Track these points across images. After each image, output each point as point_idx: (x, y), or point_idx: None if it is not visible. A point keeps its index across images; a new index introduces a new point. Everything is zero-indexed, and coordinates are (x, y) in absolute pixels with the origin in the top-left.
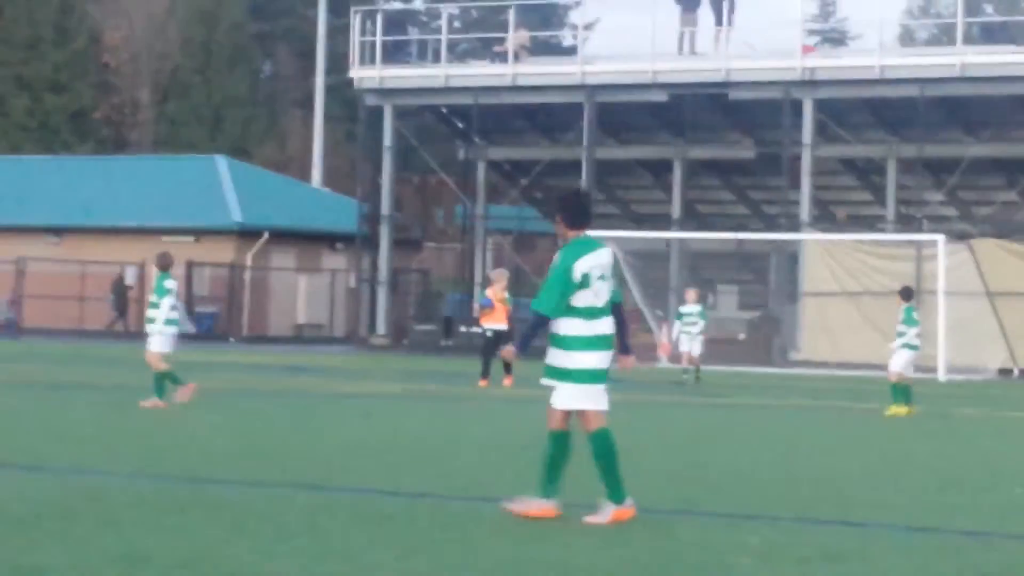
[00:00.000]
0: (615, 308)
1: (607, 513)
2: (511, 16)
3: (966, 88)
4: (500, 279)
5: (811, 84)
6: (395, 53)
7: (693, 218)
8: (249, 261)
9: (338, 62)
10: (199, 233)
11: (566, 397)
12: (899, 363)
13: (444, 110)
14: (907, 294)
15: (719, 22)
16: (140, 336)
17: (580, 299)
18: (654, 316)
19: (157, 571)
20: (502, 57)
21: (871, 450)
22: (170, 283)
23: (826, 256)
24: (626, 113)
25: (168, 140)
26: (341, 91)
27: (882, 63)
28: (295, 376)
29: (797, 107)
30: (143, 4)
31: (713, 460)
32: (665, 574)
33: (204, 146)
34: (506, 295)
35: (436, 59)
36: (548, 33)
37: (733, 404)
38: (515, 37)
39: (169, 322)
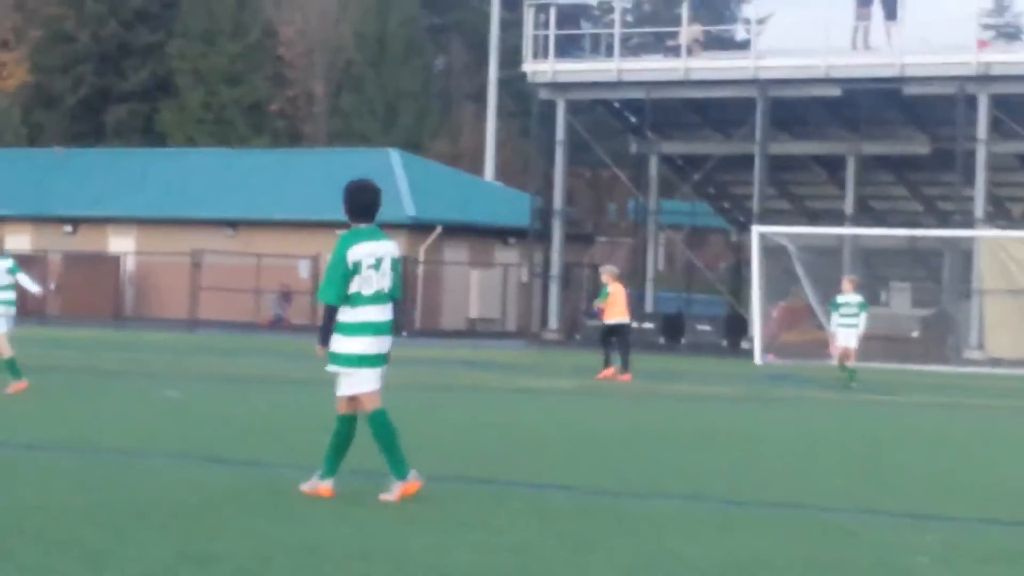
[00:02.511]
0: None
1: (395, 490)
2: (684, 10)
3: None
4: (604, 276)
5: (986, 79)
6: (568, 47)
7: (866, 214)
8: (422, 255)
9: (511, 56)
10: None
11: (340, 383)
12: None
13: (616, 104)
14: None
15: (892, 17)
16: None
17: (350, 286)
18: (827, 313)
19: (333, 562)
20: (675, 51)
21: None
22: None
23: (1002, 253)
24: (799, 108)
25: (341, 133)
26: (514, 85)
27: None
28: (468, 370)
29: (972, 102)
30: None
31: (888, 459)
32: (844, 573)
33: (377, 139)
34: (604, 289)
35: (609, 53)
36: (721, 27)
37: (907, 403)
38: (688, 31)
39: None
